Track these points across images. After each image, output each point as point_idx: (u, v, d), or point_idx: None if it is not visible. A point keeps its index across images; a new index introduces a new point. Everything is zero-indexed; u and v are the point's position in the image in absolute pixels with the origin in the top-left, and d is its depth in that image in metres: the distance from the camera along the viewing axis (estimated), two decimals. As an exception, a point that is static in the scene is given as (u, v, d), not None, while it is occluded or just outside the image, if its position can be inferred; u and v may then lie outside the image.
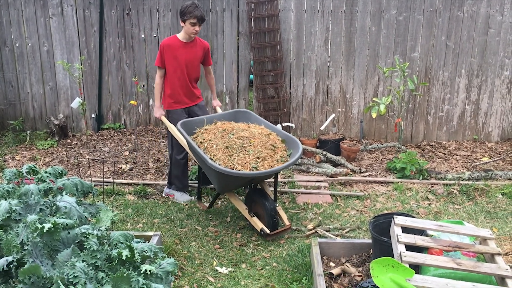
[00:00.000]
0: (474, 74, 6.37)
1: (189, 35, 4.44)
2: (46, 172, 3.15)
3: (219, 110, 4.86)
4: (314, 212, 4.49)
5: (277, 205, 4.09)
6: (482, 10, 6.17)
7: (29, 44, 6.39)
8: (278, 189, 4.84)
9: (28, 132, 6.48)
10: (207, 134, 4.12)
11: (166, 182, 4.96)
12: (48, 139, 6.33)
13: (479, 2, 6.15)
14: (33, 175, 3.26)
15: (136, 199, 4.77)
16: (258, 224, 3.94)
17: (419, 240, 2.94)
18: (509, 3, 6.13)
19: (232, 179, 3.82)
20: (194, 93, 4.68)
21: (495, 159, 5.90)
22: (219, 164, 3.79)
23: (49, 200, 2.78)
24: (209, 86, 5.02)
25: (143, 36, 6.44)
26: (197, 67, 4.64)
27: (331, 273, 3.28)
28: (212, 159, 3.84)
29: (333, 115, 6.37)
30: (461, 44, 6.28)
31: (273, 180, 4.12)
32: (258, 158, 3.83)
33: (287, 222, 4.05)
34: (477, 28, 6.23)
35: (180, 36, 4.52)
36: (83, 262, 2.16)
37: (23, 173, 3.17)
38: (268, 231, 3.90)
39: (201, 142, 4.07)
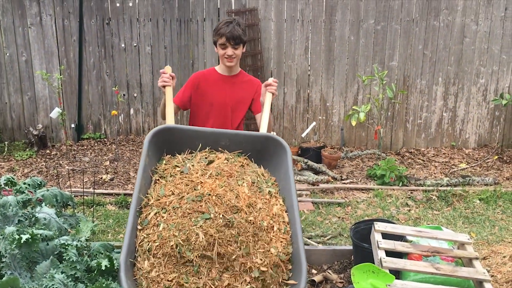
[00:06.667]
0: (450, 82, 6.51)
1: (224, 64, 3.20)
2: (24, 183, 3.11)
3: None
4: (296, 220, 4.51)
5: None
6: (457, 20, 6.32)
7: (7, 54, 6.32)
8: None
9: (6, 143, 6.37)
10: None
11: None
12: (27, 149, 6.25)
13: (454, 12, 6.30)
14: (11, 187, 3.21)
15: (117, 209, 4.73)
16: None
17: (398, 246, 2.98)
18: (483, 13, 6.29)
19: None
20: None
21: (473, 165, 6.02)
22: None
23: (28, 211, 2.74)
24: None
25: (123, 45, 6.42)
26: (238, 112, 3.29)
27: (313, 280, 3.29)
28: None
29: (314, 123, 6.42)
30: (437, 52, 6.41)
31: None
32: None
33: None
34: (453, 37, 6.37)
35: (219, 67, 3.32)
36: (62, 274, 2.14)
37: (0, 185, 3.12)
38: None
39: (161, 177, 2.43)
